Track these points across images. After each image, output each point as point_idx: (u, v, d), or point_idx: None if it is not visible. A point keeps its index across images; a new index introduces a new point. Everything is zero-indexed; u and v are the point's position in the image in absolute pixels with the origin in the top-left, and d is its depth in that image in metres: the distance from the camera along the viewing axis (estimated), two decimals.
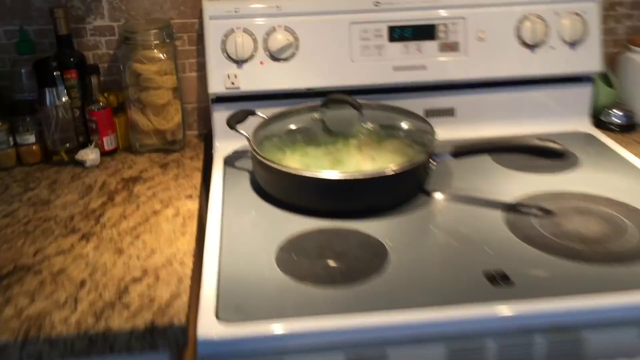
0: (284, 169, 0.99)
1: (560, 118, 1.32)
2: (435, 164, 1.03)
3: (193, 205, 1.04)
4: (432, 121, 1.21)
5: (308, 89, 1.24)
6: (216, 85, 1.21)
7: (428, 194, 1.05)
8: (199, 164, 1.21)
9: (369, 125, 1.08)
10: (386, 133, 1.09)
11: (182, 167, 1.19)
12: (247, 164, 1.17)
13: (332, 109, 1.13)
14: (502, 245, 0.90)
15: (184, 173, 1.16)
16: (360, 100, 1.14)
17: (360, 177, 0.96)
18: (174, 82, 1.21)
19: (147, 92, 1.20)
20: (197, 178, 1.15)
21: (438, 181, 1.08)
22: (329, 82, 1.24)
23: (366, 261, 0.87)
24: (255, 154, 1.04)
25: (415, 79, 1.26)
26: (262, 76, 1.22)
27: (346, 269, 0.85)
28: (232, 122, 1.13)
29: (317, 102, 1.21)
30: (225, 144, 1.25)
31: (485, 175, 1.11)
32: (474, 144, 1.03)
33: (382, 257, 0.88)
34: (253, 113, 1.18)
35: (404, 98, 1.28)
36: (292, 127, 1.14)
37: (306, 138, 1.10)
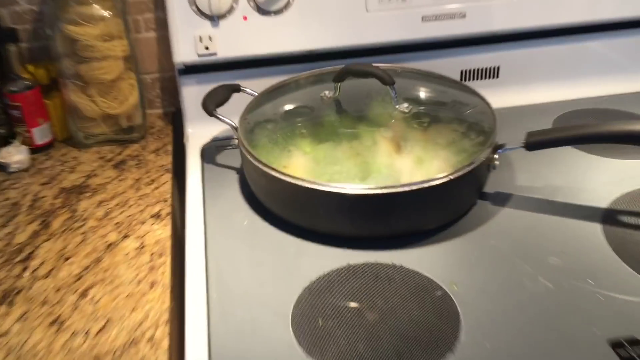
0: (292, 181, 0.69)
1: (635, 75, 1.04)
2: (498, 158, 0.74)
3: (164, 231, 0.74)
4: (473, 84, 0.91)
5: (309, 52, 0.92)
6: (184, 51, 0.88)
7: (489, 199, 0.77)
8: (167, 159, 0.89)
9: (404, 107, 0.78)
10: (429, 117, 0.78)
11: (145, 167, 0.88)
12: (234, 157, 0.86)
13: (350, 83, 0.82)
14: (616, 281, 0.63)
15: (148, 176, 0.85)
16: (378, 63, 0.83)
17: (404, 189, 0.67)
18: (125, 48, 0.88)
19: (89, 65, 0.86)
20: (167, 183, 0.84)
21: (499, 179, 0.79)
22: (336, 41, 0.92)
23: (429, 327, 0.58)
24: (249, 156, 0.73)
25: (450, 31, 0.95)
26: (246, 36, 0.89)
27: (403, 346, 0.57)
28: (211, 106, 0.81)
29: (325, 68, 0.90)
30: (200, 129, 0.93)
31: (561, 165, 0.82)
32: (556, 132, 0.73)
33: (451, 316, 0.60)
34: (238, 89, 0.87)
35: (433, 57, 0.97)
36: (294, 108, 0.83)
37: (316, 128, 0.79)
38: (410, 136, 0.75)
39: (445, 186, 0.68)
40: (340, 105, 0.80)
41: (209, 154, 0.90)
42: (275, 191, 0.72)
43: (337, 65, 0.90)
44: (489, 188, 0.78)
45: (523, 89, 1.02)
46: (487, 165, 0.73)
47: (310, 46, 0.91)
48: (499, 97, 0.98)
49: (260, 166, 0.71)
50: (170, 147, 0.92)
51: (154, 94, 1.01)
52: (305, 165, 0.74)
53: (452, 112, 0.80)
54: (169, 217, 0.77)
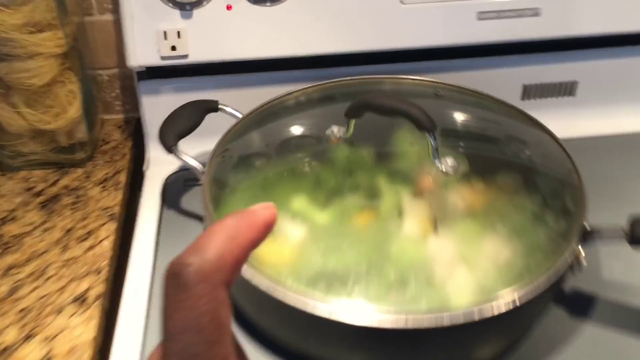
0: (266, 290, 0.44)
1: None
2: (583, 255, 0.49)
3: (85, 331, 0.51)
4: (539, 104, 0.67)
5: (316, 56, 0.66)
6: (142, 51, 0.63)
7: (564, 304, 0.52)
8: (117, 197, 0.65)
9: (448, 166, 0.52)
10: (483, 181, 0.53)
11: (84, 208, 0.64)
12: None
13: (367, 121, 0.56)
14: None
15: (84, 225, 0.62)
16: (412, 75, 0.59)
17: (440, 322, 0.42)
18: (61, 42, 0.63)
19: (9, 65, 0.62)
20: (107, 240, 0.60)
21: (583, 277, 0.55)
22: (356, 44, 0.66)
23: None
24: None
25: (515, 34, 0.68)
26: (229, 33, 0.64)
27: None
28: (171, 137, 0.57)
29: (337, 81, 0.64)
30: (166, 154, 0.69)
31: None
32: None
33: None
34: (215, 108, 0.62)
35: (486, 67, 0.71)
36: (287, 147, 0.58)
37: (315, 184, 0.54)
38: (453, 213, 0.50)
39: (506, 315, 0.43)
40: (352, 150, 0.55)
41: (174, 190, 0.66)
42: (247, 293, 0.48)
43: (354, 76, 0.65)
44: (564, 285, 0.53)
45: (607, 112, 0.75)
46: (570, 267, 0.48)
47: (320, 49, 0.65)
48: (575, 121, 0.74)
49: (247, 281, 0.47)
50: (123, 176, 0.68)
51: (112, 95, 0.77)
52: (291, 250, 0.49)
53: (518, 171, 0.54)
54: (99, 302, 0.54)
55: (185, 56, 0.63)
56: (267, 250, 0.50)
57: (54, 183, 0.67)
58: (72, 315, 0.52)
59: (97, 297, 0.54)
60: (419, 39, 0.67)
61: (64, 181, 0.68)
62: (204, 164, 0.55)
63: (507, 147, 0.58)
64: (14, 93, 0.64)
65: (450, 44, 0.68)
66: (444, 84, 0.64)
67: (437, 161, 0.51)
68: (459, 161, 0.51)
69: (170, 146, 0.56)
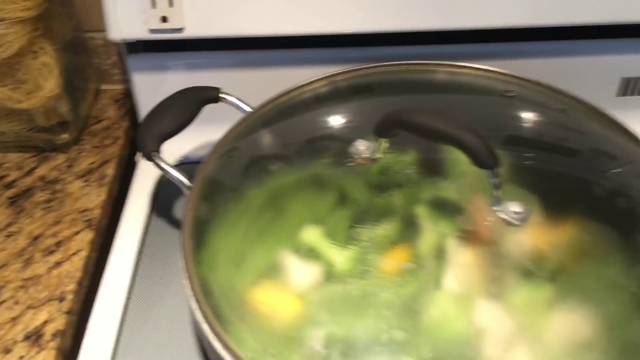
0: None
1: None
2: None
3: None
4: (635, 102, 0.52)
5: (342, 34, 0.52)
6: (126, 20, 0.50)
7: None
8: (100, 195, 0.54)
9: (512, 213, 0.37)
10: (560, 228, 0.38)
11: (58, 208, 0.53)
12: None
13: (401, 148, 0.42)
14: None
15: (55, 233, 0.51)
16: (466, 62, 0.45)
17: None
18: (29, 3, 0.50)
19: None
20: (79, 255, 0.49)
21: None
22: (381, 23, 0.51)
23: None
24: (186, 267, 0.38)
25: (616, 15, 0.52)
26: (236, 0, 0.50)
27: None
28: (150, 139, 0.44)
29: (368, 66, 0.50)
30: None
31: None
32: None
33: None
34: (215, 97, 0.48)
35: (571, 54, 0.55)
36: (299, 158, 0.45)
37: (333, 213, 0.41)
38: (514, 271, 0.37)
39: None
40: (384, 177, 0.42)
41: (167, 191, 0.54)
42: None
43: (398, 60, 0.50)
44: None
45: None
46: None
47: (355, 26, 0.51)
48: None
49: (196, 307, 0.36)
50: (111, 168, 0.57)
51: (109, 62, 0.64)
52: (293, 303, 0.37)
53: (614, 215, 0.39)
54: (55, 342, 0.43)
55: (180, 30, 0.49)
56: (263, 301, 0.38)
57: (30, 172, 0.56)
58: (21, 358, 0.42)
59: (55, 335, 0.44)
60: (478, 19, 0.51)
61: (42, 170, 0.57)
62: (191, 176, 0.43)
63: (601, 179, 0.43)
64: None
65: (520, 23, 0.52)
66: (517, 77, 0.49)
67: (497, 207, 0.37)
68: (529, 206, 0.37)
69: (149, 152, 0.43)
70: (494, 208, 0.37)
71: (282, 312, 0.39)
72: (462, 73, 0.50)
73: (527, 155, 0.43)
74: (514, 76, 0.49)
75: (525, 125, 0.46)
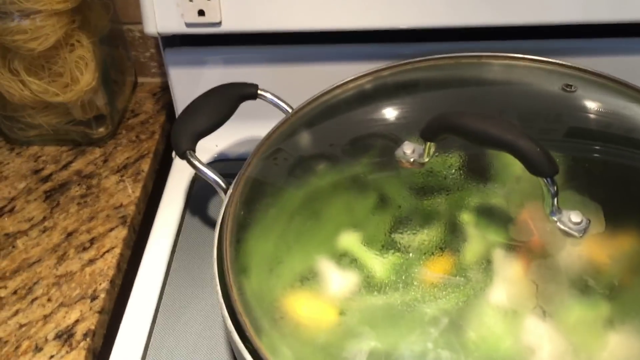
0: None
1: None
2: None
3: None
4: None
5: (391, 29, 0.49)
6: (163, 14, 0.48)
7: None
8: (135, 190, 0.53)
9: (571, 225, 0.34)
10: (624, 242, 0.35)
11: (93, 203, 0.52)
12: None
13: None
14: None
15: (89, 229, 0.50)
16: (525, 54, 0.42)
17: None
18: None
19: (3, 25, 0.50)
20: (114, 252, 0.48)
21: None
22: (429, 19, 0.48)
23: None
24: (218, 276, 0.36)
25: None
26: None
27: None
28: (185, 138, 0.43)
29: (417, 61, 0.48)
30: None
31: None
32: None
33: None
34: (253, 94, 0.47)
35: (627, 51, 0.52)
36: (348, 155, 0.43)
37: (374, 221, 0.39)
38: (568, 288, 0.34)
39: None
40: (429, 180, 0.39)
41: (201, 188, 0.53)
42: None
43: (439, 54, 0.48)
44: None
45: None
46: None
47: (392, 22, 0.48)
48: None
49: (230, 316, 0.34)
50: (147, 164, 0.56)
51: (146, 55, 0.63)
52: (326, 313, 0.36)
53: None
54: (86, 342, 0.43)
55: (217, 24, 0.47)
56: (298, 309, 0.37)
57: (66, 166, 0.56)
58: (51, 358, 0.42)
59: (85, 335, 0.43)
60: (540, 14, 0.48)
61: (78, 164, 0.56)
62: (229, 179, 0.41)
63: None
64: (12, 57, 0.52)
65: (593, 20, 0.48)
66: (578, 69, 0.45)
67: (555, 217, 0.34)
68: (591, 216, 0.34)
69: (183, 151, 0.42)
70: (551, 218, 0.34)
71: (318, 322, 0.37)
72: (518, 65, 0.47)
73: (587, 157, 0.40)
74: (575, 68, 0.45)
75: (586, 123, 0.42)
